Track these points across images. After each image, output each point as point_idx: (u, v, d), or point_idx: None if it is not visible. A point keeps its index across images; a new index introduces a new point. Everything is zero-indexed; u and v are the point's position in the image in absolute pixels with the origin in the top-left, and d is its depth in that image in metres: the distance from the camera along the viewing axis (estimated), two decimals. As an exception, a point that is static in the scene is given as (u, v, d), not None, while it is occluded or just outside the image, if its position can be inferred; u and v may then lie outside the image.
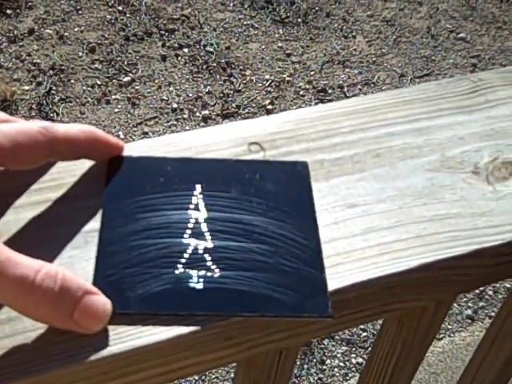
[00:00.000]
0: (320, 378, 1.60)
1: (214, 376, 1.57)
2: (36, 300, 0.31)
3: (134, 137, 2.08)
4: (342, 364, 1.63)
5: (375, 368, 0.58)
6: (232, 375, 1.56)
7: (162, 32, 2.45)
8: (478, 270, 0.41)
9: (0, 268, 0.30)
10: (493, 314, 1.76)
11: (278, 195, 0.41)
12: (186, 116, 2.17)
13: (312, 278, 0.37)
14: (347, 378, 1.61)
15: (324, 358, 1.63)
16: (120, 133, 2.09)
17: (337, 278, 0.37)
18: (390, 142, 0.45)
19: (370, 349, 1.65)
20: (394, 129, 0.46)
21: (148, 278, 0.36)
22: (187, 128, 2.13)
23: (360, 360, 1.63)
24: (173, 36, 2.44)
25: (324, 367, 1.61)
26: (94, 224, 0.38)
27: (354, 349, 1.65)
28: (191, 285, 0.36)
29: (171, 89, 2.25)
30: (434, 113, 0.47)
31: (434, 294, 0.43)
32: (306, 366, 1.61)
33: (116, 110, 2.17)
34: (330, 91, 2.31)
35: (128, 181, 0.40)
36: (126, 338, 0.33)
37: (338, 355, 1.64)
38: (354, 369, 1.62)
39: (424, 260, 0.38)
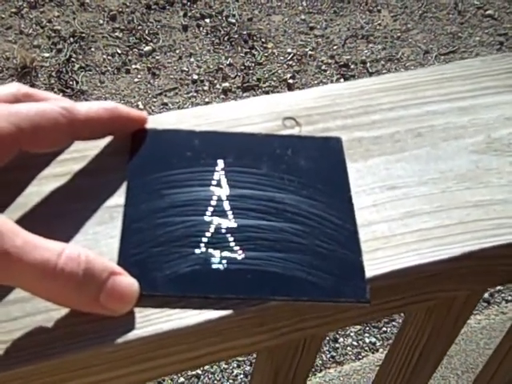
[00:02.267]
0: (333, 356, 1.59)
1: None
2: (60, 285, 0.29)
3: (153, 107, 2.06)
4: (354, 343, 1.62)
5: (399, 355, 0.57)
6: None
7: (184, 1, 2.41)
8: (524, 260, 0.39)
9: (19, 253, 0.28)
10: (509, 297, 1.74)
11: (311, 172, 0.39)
12: (206, 88, 2.15)
13: (348, 260, 0.35)
14: (360, 357, 1.60)
15: (337, 336, 1.62)
16: (139, 103, 2.07)
17: (375, 264, 0.35)
18: (432, 121, 0.42)
19: (383, 329, 1.64)
20: (436, 107, 0.43)
21: (176, 257, 0.34)
22: (207, 100, 2.11)
23: (373, 340, 1.62)
24: (195, 6, 2.40)
25: (337, 345, 1.61)
26: (119, 199, 0.36)
27: (367, 328, 1.64)
28: (221, 266, 0.34)
29: (192, 60, 2.22)
30: (478, 91, 0.45)
31: (471, 285, 0.41)
32: (319, 344, 1.60)
33: (136, 79, 2.15)
34: (352, 66, 2.27)
35: (153, 155, 0.38)
36: (152, 321, 0.32)
37: (352, 334, 1.63)
38: (366, 348, 1.61)
39: (467, 248, 0.36)
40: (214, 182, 0.37)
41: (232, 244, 0.35)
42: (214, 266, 0.34)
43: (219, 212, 0.36)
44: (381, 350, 1.61)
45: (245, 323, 0.34)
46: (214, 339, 0.34)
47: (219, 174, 0.38)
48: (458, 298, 0.47)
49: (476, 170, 0.40)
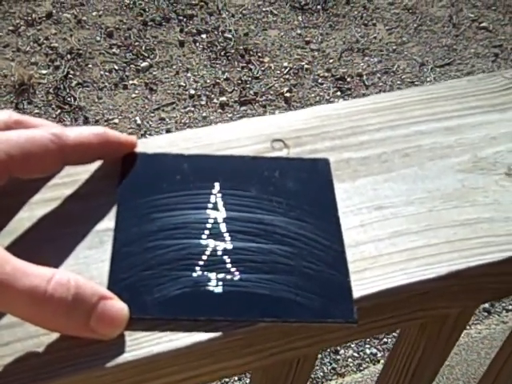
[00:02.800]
0: (333, 368, 1.59)
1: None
2: (50, 311, 0.29)
3: (150, 122, 2.07)
4: (355, 354, 1.62)
5: (393, 373, 0.57)
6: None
7: (180, 17, 2.42)
8: (511, 278, 0.40)
9: (9, 279, 0.29)
10: (510, 307, 1.74)
11: (299, 194, 0.39)
12: (203, 102, 2.16)
13: (336, 281, 0.35)
14: (361, 368, 1.60)
15: (338, 347, 1.62)
16: (137, 118, 2.08)
17: (363, 284, 0.36)
18: (420, 141, 0.43)
19: (384, 339, 1.64)
20: (423, 127, 0.44)
21: (165, 281, 0.34)
22: (204, 115, 2.11)
23: (374, 351, 1.62)
24: (191, 22, 2.42)
25: (338, 357, 1.60)
26: (110, 223, 0.37)
27: (368, 339, 1.64)
28: (210, 288, 0.34)
29: (189, 75, 2.24)
30: (465, 111, 0.45)
31: (461, 302, 0.41)
32: (319, 356, 1.60)
33: (133, 95, 2.16)
34: (348, 79, 2.28)
35: (142, 179, 0.39)
36: (142, 345, 0.32)
37: (352, 345, 1.63)
38: (367, 359, 1.61)
39: (454, 267, 0.37)
40: (209, 205, 0.38)
41: (228, 266, 0.35)
42: (203, 289, 0.34)
43: (215, 235, 0.36)
44: (382, 361, 1.61)
45: (234, 345, 0.34)
46: (204, 361, 0.34)
47: (215, 196, 0.38)
48: (451, 314, 0.48)
49: (462, 188, 0.41)
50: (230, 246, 0.36)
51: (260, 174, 0.40)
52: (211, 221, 0.37)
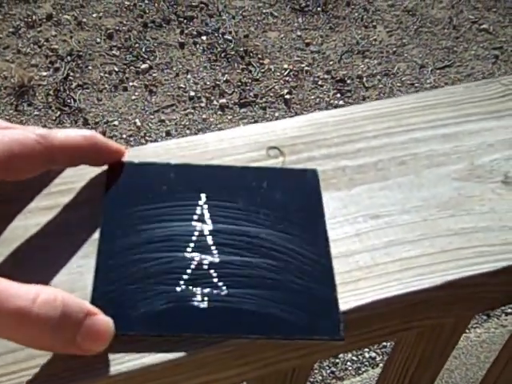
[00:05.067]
0: (332, 372, 1.58)
1: None
2: (36, 331, 0.29)
3: (150, 124, 2.07)
4: (354, 358, 1.61)
5: (390, 380, 0.57)
6: None
7: (181, 19, 2.42)
8: (508, 288, 0.39)
9: None
10: (509, 310, 1.74)
11: (287, 205, 0.38)
12: (203, 104, 2.16)
13: (323, 297, 0.35)
14: (360, 372, 1.59)
15: (337, 351, 1.62)
16: (137, 120, 2.08)
17: (357, 294, 0.35)
18: (416, 149, 0.43)
19: (383, 343, 1.64)
20: (419, 134, 0.44)
21: (150, 295, 0.34)
22: (204, 116, 2.11)
23: (373, 354, 1.62)
24: (191, 23, 2.42)
25: (337, 361, 1.60)
26: (91, 234, 0.36)
27: (367, 342, 1.64)
28: (195, 303, 0.34)
29: (189, 77, 2.24)
30: (461, 118, 0.45)
31: (456, 312, 0.41)
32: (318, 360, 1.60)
33: (133, 97, 2.15)
34: (348, 81, 2.28)
35: (128, 189, 0.38)
36: (134, 356, 0.32)
37: (351, 349, 1.63)
38: (366, 363, 1.61)
39: (449, 277, 0.36)
40: (195, 217, 0.37)
41: (215, 280, 0.35)
42: (189, 304, 0.34)
43: (201, 248, 0.36)
44: (381, 364, 1.60)
45: (226, 356, 0.34)
46: (195, 372, 0.34)
47: (201, 208, 0.38)
48: (447, 324, 0.47)
49: (458, 197, 0.40)
50: (216, 260, 0.35)
51: (248, 184, 0.39)
52: (197, 233, 0.36)
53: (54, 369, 0.31)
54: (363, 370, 1.60)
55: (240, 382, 0.38)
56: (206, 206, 0.38)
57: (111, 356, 0.32)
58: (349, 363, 1.61)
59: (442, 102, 0.46)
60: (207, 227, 0.37)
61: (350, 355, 1.61)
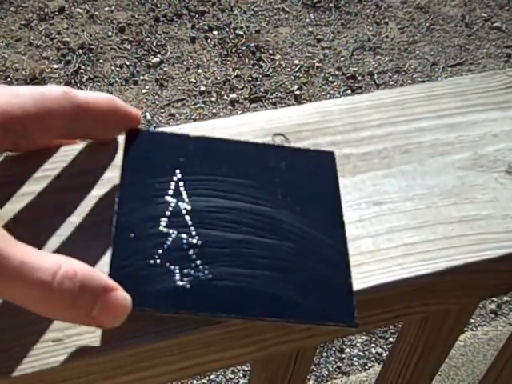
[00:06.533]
0: (339, 367, 1.59)
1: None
2: (56, 303, 0.30)
3: (160, 118, 2.08)
4: (361, 353, 1.62)
5: (394, 367, 0.57)
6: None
7: (192, 14, 2.43)
8: (509, 275, 0.40)
9: (17, 273, 0.29)
10: (517, 308, 1.74)
11: (304, 187, 0.38)
12: (213, 99, 2.16)
13: (338, 282, 0.35)
14: (366, 367, 1.60)
15: (343, 346, 1.62)
16: (147, 114, 2.08)
17: (360, 278, 0.36)
18: (420, 138, 0.43)
19: (390, 339, 1.64)
20: (424, 124, 0.44)
21: (167, 271, 0.33)
22: (214, 111, 2.12)
23: (379, 350, 1.62)
24: (203, 18, 2.42)
25: (343, 356, 1.60)
26: (110, 213, 0.37)
27: (373, 339, 1.64)
28: (213, 282, 0.33)
29: (199, 71, 2.24)
30: (466, 108, 0.45)
31: (460, 298, 0.41)
32: (324, 354, 1.60)
33: (144, 90, 2.16)
34: (359, 78, 2.28)
35: (147, 158, 0.37)
36: (141, 332, 0.32)
37: (358, 344, 1.63)
38: (373, 358, 1.61)
39: (451, 263, 0.37)
40: (214, 193, 0.36)
41: (233, 259, 0.34)
42: (207, 282, 0.33)
43: (219, 225, 0.35)
44: (387, 361, 1.61)
45: (231, 335, 0.34)
46: (201, 351, 0.35)
47: (220, 184, 0.37)
48: (451, 310, 0.48)
49: (461, 186, 0.41)
50: (233, 238, 0.35)
51: (265, 163, 0.39)
52: (216, 209, 0.36)
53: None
54: (370, 365, 1.60)
55: (244, 363, 0.38)
56: (224, 182, 0.37)
57: (116, 332, 0.32)
58: (355, 358, 1.61)
59: (448, 92, 0.46)
60: (227, 203, 0.36)
61: (356, 350, 1.62)
